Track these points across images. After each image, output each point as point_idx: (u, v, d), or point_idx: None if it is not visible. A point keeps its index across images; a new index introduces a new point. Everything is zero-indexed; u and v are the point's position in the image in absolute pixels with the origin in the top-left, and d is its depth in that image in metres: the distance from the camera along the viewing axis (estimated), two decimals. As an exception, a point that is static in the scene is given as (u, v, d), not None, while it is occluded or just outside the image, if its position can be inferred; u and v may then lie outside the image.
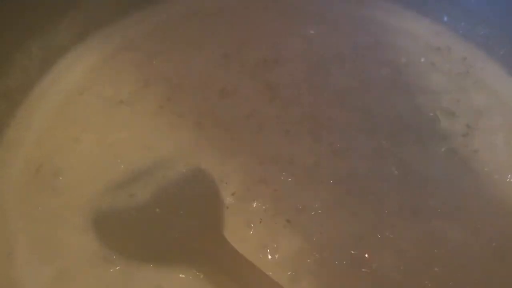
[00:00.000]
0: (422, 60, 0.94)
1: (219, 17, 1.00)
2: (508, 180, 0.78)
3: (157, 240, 0.67)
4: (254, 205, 0.73)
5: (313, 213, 0.73)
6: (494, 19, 0.93)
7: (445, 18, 0.99)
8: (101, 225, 0.69)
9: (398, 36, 0.98)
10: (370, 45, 0.96)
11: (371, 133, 0.82)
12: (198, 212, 0.69)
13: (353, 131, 0.83)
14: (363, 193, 0.75)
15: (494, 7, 0.93)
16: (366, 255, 0.69)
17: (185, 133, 0.81)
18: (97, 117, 0.83)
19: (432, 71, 0.92)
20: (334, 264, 0.68)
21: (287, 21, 1.00)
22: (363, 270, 0.68)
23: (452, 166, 0.79)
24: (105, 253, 0.67)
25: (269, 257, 0.68)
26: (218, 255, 0.65)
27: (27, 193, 0.74)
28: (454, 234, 0.72)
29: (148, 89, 0.86)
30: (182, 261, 0.66)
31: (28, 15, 0.85)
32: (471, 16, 0.96)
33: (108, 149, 0.78)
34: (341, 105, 0.87)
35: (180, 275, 0.66)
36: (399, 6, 1.02)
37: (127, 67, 0.90)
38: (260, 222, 0.71)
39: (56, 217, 0.72)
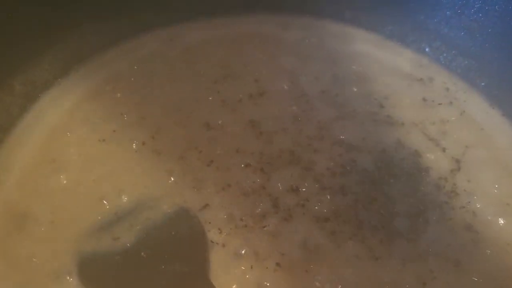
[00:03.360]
0: (405, 91, 0.95)
1: (202, 50, 1.00)
2: (500, 222, 0.78)
3: (144, 288, 0.66)
4: (242, 246, 0.72)
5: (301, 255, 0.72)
6: (474, 51, 0.95)
7: (427, 49, 1.00)
8: (85, 270, 0.68)
9: (380, 67, 0.99)
10: (352, 78, 0.97)
11: (354, 169, 0.82)
12: (184, 255, 0.68)
13: (336, 166, 0.83)
14: (348, 232, 0.75)
15: (473, 39, 0.95)
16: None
17: (168, 171, 0.80)
18: (80, 156, 0.81)
19: (416, 103, 0.93)
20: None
21: (270, 54, 1.00)
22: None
23: (439, 204, 0.79)
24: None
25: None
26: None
27: (6, 237, 0.72)
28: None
29: (131, 126, 0.85)
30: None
31: (10, 51, 0.84)
32: (451, 48, 0.98)
33: (90, 189, 0.77)
34: (324, 139, 0.86)
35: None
36: (381, 37, 1.03)
37: (110, 103, 0.89)
38: (252, 268, 0.70)
39: (37, 262, 0.70)
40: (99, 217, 0.73)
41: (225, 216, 0.75)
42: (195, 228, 0.72)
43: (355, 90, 0.95)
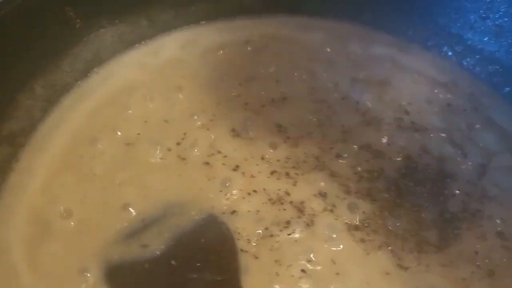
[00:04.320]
0: (429, 97, 0.94)
1: (222, 53, 0.98)
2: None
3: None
4: (270, 253, 0.71)
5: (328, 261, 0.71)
6: (498, 56, 0.94)
7: (449, 53, 0.99)
8: (114, 278, 0.67)
9: (402, 71, 0.98)
10: (374, 82, 0.95)
11: (380, 175, 0.81)
12: (215, 264, 0.67)
13: (363, 171, 0.82)
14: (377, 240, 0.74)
15: (498, 44, 0.94)
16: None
17: (193, 176, 0.79)
18: (104, 160, 0.80)
19: (440, 109, 0.92)
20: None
21: (290, 57, 0.98)
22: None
23: (467, 211, 0.78)
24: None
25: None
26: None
27: (30, 243, 0.71)
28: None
29: (153, 131, 0.84)
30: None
31: (31, 54, 0.84)
32: (475, 53, 0.97)
33: (116, 195, 0.76)
34: (349, 143, 0.86)
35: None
36: (402, 41, 1.02)
37: (132, 105, 0.88)
38: (277, 275, 0.69)
39: (62, 268, 0.69)
40: (126, 224, 0.72)
41: (253, 223, 0.74)
42: (224, 235, 0.71)
43: (377, 94, 0.93)
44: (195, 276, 0.66)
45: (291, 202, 0.77)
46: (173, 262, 0.67)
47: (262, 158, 0.82)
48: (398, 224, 0.75)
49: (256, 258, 0.71)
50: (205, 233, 0.71)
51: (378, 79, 0.96)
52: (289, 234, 0.74)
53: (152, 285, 0.66)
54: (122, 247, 0.69)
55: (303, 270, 0.71)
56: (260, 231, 0.74)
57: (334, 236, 0.74)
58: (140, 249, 0.69)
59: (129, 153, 0.81)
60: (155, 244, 0.69)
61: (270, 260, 0.71)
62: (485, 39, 0.95)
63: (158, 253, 0.68)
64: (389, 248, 0.73)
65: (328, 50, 1.01)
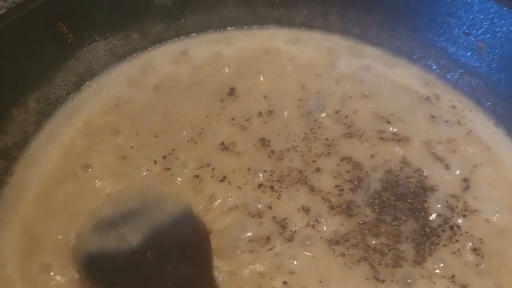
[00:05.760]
0: (412, 109, 0.96)
1: (211, 65, 1.01)
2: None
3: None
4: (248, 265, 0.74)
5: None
6: (481, 71, 0.96)
7: (434, 67, 1.02)
8: (92, 269, 0.70)
9: (387, 84, 1.00)
10: (359, 94, 0.98)
11: (361, 188, 0.84)
12: (190, 257, 0.71)
13: (344, 184, 0.85)
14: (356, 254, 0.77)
15: (480, 60, 0.96)
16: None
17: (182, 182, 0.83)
18: (97, 172, 0.83)
19: (423, 121, 0.94)
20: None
21: (279, 70, 1.01)
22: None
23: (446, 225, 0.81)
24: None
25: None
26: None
27: (24, 256, 0.74)
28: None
29: (144, 144, 0.87)
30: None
31: (25, 70, 0.86)
32: (458, 67, 0.99)
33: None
34: (331, 156, 0.88)
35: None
36: (389, 54, 1.05)
37: (122, 119, 0.91)
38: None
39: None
40: (105, 215, 0.76)
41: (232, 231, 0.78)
42: (201, 231, 0.74)
43: (362, 106, 0.96)
44: (169, 269, 0.70)
45: (273, 218, 0.80)
46: (148, 253, 0.71)
47: (248, 169, 0.85)
48: (376, 239, 0.78)
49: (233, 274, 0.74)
50: (181, 227, 0.74)
51: (363, 92, 0.98)
52: (269, 250, 0.77)
53: (126, 275, 0.70)
54: (100, 236, 0.73)
55: (284, 282, 0.74)
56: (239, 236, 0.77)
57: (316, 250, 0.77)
58: (118, 239, 0.73)
59: (123, 165, 0.84)
60: (132, 235, 0.73)
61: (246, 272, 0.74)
62: (468, 54, 0.98)
63: (134, 244, 0.72)
64: (366, 261, 0.76)
65: (316, 62, 1.03)
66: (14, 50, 0.84)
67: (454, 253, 0.78)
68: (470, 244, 0.79)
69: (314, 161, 0.87)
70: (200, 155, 0.86)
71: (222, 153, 0.87)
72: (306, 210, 0.81)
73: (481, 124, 0.95)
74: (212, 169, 0.85)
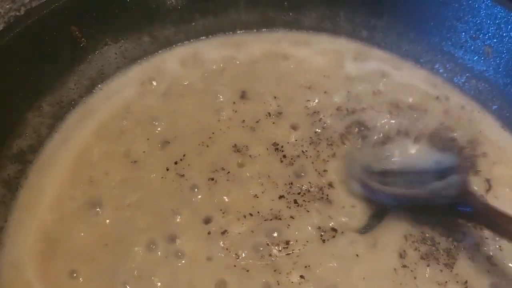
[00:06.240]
0: (423, 107, 0.97)
1: (221, 68, 1.02)
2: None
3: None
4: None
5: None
6: (487, 75, 0.98)
7: (441, 70, 1.03)
8: None
9: (397, 85, 1.02)
10: (368, 96, 0.99)
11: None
12: None
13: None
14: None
15: (487, 64, 0.98)
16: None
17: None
18: (110, 176, 0.84)
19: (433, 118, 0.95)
20: None
21: (288, 72, 1.02)
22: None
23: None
24: None
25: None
26: None
27: (43, 259, 0.75)
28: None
29: (155, 150, 0.88)
30: None
31: (38, 74, 0.87)
32: (465, 71, 1.01)
33: (125, 216, 0.80)
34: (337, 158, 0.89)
35: None
36: (396, 57, 1.06)
37: (133, 123, 0.91)
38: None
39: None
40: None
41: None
42: None
43: (371, 108, 0.97)
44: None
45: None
46: None
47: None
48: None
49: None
50: None
51: (372, 91, 1.00)
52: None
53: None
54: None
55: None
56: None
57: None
58: None
59: (137, 170, 0.85)
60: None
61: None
62: (475, 58, 0.99)
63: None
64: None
65: (324, 65, 1.04)
66: (28, 54, 0.85)
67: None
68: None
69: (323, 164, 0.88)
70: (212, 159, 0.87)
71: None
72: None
73: (489, 125, 0.97)
74: (228, 173, 0.85)
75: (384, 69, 1.05)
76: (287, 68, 1.03)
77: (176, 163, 0.86)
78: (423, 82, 1.03)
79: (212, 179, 0.84)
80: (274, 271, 0.75)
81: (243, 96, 0.97)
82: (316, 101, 0.98)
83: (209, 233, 0.78)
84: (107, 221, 0.79)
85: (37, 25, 0.84)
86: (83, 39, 0.92)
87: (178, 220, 0.79)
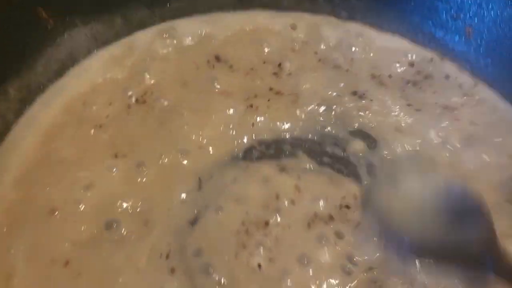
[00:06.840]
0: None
1: (197, 47, 1.00)
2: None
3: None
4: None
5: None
6: (468, 56, 0.97)
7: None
8: None
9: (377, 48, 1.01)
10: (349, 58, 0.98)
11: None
12: None
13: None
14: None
15: (468, 44, 0.96)
16: None
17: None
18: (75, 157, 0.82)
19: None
20: None
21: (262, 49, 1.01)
22: None
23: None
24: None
25: None
26: None
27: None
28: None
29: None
30: None
31: (4, 58, 0.84)
32: (446, 51, 0.99)
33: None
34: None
35: None
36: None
37: (104, 105, 0.89)
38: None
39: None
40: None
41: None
42: None
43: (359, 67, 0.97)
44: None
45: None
46: None
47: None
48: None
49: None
50: None
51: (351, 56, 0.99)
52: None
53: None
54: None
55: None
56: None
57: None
58: None
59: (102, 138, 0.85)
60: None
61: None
62: (456, 38, 0.97)
63: None
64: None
65: (303, 36, 1.03)
66: (-8, 37, 0.82)
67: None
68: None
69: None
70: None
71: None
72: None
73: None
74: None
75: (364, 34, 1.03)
76: (262, 47, 1.01)
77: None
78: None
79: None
80: None
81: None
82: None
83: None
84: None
85: (1, 6, 0.81)
86: (50, 20, 0.89)
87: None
